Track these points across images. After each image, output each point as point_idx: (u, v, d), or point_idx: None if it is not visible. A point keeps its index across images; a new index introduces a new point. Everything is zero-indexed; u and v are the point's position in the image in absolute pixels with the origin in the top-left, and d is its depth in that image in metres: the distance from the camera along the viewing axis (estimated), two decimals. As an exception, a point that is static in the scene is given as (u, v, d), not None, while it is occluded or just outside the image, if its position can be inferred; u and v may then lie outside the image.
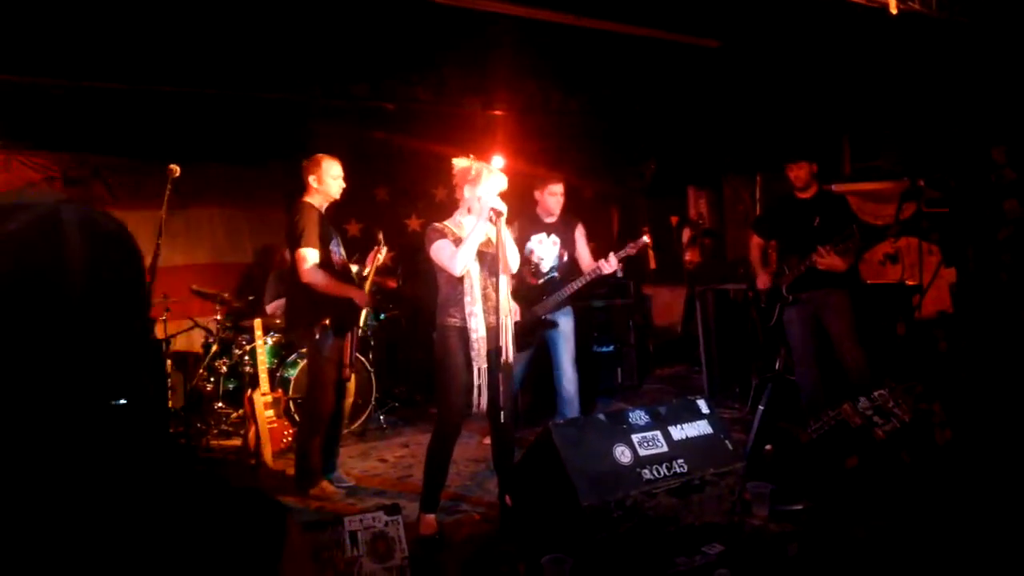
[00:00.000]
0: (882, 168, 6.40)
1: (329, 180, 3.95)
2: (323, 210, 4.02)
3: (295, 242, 3.79)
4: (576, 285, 4.51)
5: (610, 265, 4.26)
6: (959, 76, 5.32)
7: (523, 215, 4.75)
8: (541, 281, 4.64)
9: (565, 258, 4.67)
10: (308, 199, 3.95)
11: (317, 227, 3.84)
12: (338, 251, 4.05)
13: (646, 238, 4.43)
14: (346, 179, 7.53)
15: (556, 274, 4.65)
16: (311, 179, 3.94)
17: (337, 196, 4.05)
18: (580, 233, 4.68)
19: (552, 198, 4.68)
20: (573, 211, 4.92)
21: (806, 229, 4.45)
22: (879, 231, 5.27)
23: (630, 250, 4.37)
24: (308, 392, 4.05)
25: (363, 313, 4.29)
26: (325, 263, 3.87)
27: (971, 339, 5.10)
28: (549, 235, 4.69)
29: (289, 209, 4.02)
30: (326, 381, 3.92)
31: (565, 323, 4.59)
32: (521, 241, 4.62)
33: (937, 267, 5.37)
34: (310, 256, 3.78)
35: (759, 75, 6.04)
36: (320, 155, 3.99)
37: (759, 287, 4.74)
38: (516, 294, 4.02)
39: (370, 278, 4.38)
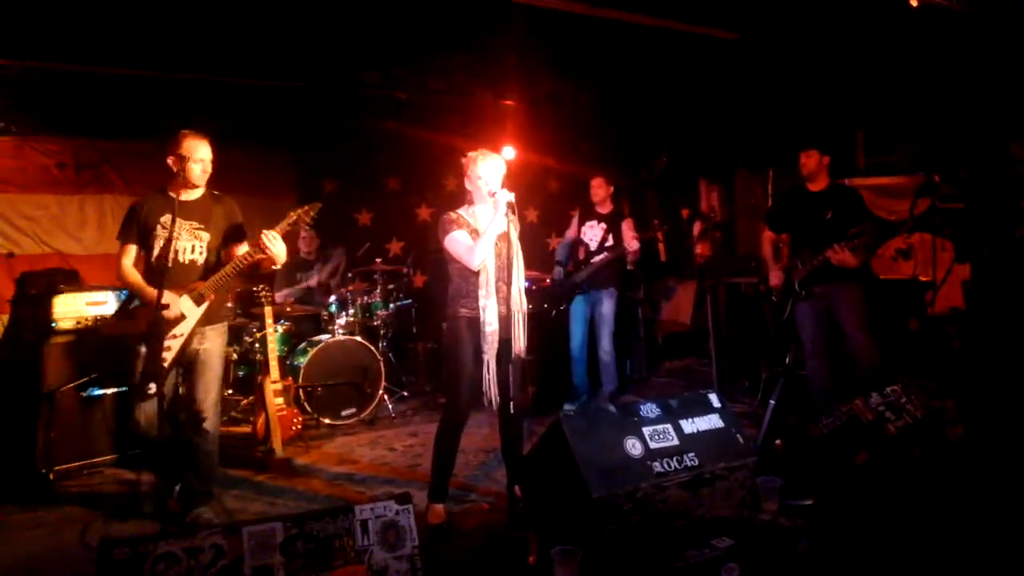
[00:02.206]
0: (896, 163, 6.34)
1: (190, 164, 3.36)
2: (181, 197, 3.37)
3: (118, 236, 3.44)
4: (604, 258, 5.41)
5: (633, 244, 5.27)
6: (977, 70, 5.26)
7: (583, 205, 5.76)
8: (584, 258, 5.57)
9: (610, 242, 5.46)
10: (168, 184, 3.42)
11: (135, 220, 3.36)
12: (182, 246, 3.38)
13: (656, 222, 5.78)
14: (358, 168, 7.55)
15: (599, 253, 5.47)
16: (169, 161, 3.37)
17: (200, 184, 3.45)
18: (627, 225, 5.48)
19: (592, 190, 5.65)
20: (616, 206, 5.75)
21: (818, 223, 4.41)
22: (892, 226, 5.22)
23: (649, 233, 5.59)
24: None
25: (190, 320, 3.36)
26: (145, 261, 3.40)
27: (985, 336, 5.06)
28: (600, 222, 5.56)
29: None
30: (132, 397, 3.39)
31: (607, 305, 5.47)
32: (579, 225, 5.69)
33: (951, 263, 5.32)
34: (120, 252, 3.38)
35: (774, 68, 5.99)
36: (184, 132, 3.40)
37: (771, 284, 4.71)
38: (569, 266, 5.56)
39: (213, 281, 3.42)
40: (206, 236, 3.45)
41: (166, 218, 3.36)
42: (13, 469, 4.04)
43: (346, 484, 4.08)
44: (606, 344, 5.48)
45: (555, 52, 6.05)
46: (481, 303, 3.34)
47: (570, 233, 5.79)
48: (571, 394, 5.61)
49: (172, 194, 3.35)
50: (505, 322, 3.29)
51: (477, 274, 3.36)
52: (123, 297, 4.10)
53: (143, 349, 3.28)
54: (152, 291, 3.23)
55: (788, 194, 4.87)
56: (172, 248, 3.30)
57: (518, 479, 3.22)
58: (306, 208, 3.57)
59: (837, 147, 4.72)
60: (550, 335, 5.61)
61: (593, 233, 5.55)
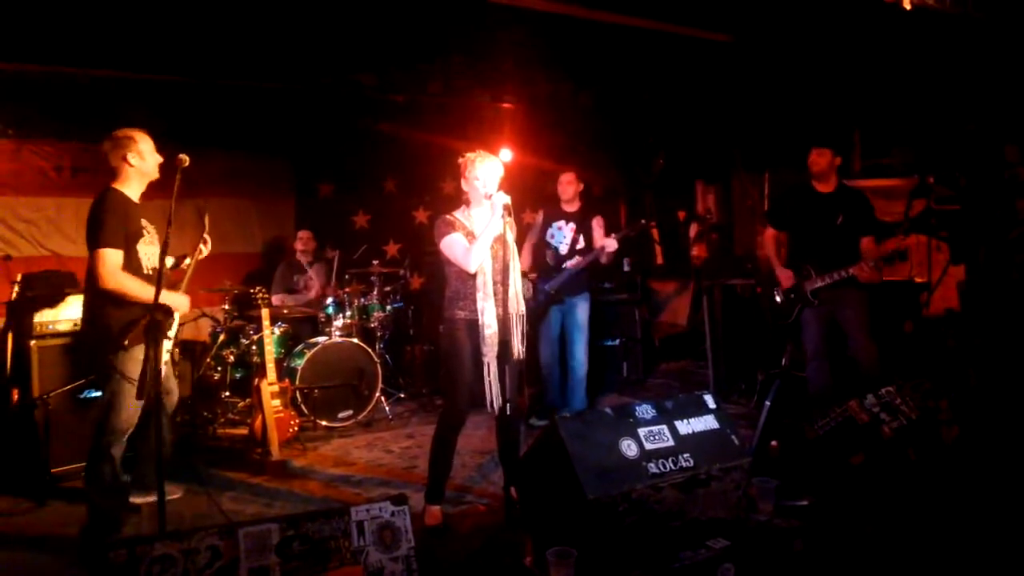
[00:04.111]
0: (893, 165, 6.36)
1: (150, 157, 3.41)
2: (136, 198, 3.43)
3: (93, 240, 3.19)
4: (579, 262, 5.01)
5: (611, 243, 4.82)
6: (972, 72, 5.28)
7: (548, 203, 5.35)
8: (554, 263, 5.16)
9: (580, 244, 5.10)
10: (119, 185, 3.36)
11: (123, 221, 3.25)
12: (150, 250, 3.43)
13: (643, 221, 5.39)
14: (354, 170, 7.56)
15: (570, 257, 5.10)
16: (130, 156, 3.35)
17: (157, 175, 3.46)
18: (597, 223, 5.14)
19: (560, 186, 5.23)
20: (585, 204, 5.37)
21: (828, 227, 4.38)
22: (888, 228, 5.24)
23: (629, 231, 5.17)
24: (107, 411, 3.35)
25: (175, 320, 3.55)
26: (129, 266, 3.28)
27: (979, 337, 5.07)
28: (568, 222, 5.16)
29: (98, 199, 3.32)
30: (127, 401, 3.29)
31: (582, 311, 5.12)
32: (544, 226, 5.26)
33: (946, 265, 5.34)
34: (111, 258, 3.19)
35: (770, 70, 6.00)
36: (130, 129, 3.42)
37: (783, 285, 4.60)
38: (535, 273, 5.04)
39: (187, 278, 3.64)
40: (158, 237, 3.51)
41: (144, 222, 3.42)
42: (12, 472, 4.04)
43: (343, 486, 4.09)
44: (580, 355, 5.09)
45: (552, 55, 6.05)
46: (479, 306, 3.34)
47: (533, 237, 5.29)
48: (541, 411, 5.26)
49: (130, 195, 3.38)
50: (503, 324, 3.29)
51: (474, 277, 3.36)
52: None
53: (140, 356, 3.20)
54: (181, 297, 3.45)
55: (793, 192, 4.73)
56: (159, 254, 3.29)
57: (514, 481, 3.23)
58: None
59: (836, 149, 4.70)
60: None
61: (562, 235, 5.13)
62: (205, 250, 3.73)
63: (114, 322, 3.22)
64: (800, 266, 4.54)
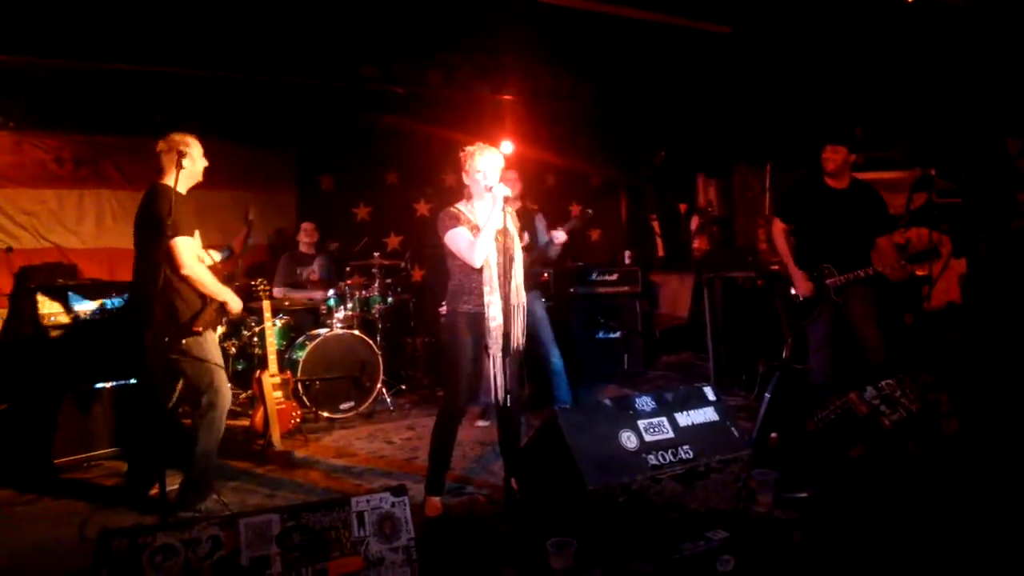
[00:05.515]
0: (895, 158, 6.35)
1: (199, 162, 3.59)
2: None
3: (162, 231, 3.29)
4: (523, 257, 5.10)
5: (560, 235, 4.74)
6: (974, 65, 5.27)
7: None
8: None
9: (524, 241, 4.91)
10: (168, 182, 3.48)
11: (191, 216, 3.45)
12: (199, 242, 3.64)
13: (589, 211, 5.18)
14: (356, 162, 7.55)
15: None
16: (184, 159, 3.48)
17: (201, 178, 3.65)
18: (540, 220, 5.12)
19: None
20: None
21: (843, 224, 4.34)
22: (892, 221, 5.23)
23: (576, 222, 5.00)
24: (214, 402, 3.58)
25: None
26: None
27: (980, 330, 5.08)
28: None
29: (155, 194, 3.45)
30: (223, 378, 3.61)
31: (539, 308, 5.03)
32: None
33: (947, 258, 5.33)
34: (188, 245, 3.39)
35: (771, 63, 5.99)
36: (185, 133, 3.58)
37: (801, 289, 4.49)
38: None
39: (239, 270, 3.96)
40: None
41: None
42: (15, 462, 4.06)
43: (344, 477, 4.10)
44: (551, 348, 5.04)
45: (553, 47, 6.05)
46: (486, 299, 3.33)
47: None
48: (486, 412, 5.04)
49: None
50: (505, 316, 3.29)
51: (479, 270, 3.35)
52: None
53: (214, 340, 3.61)
54: (234, 295, 3.65)
55: (806, 187, 4.61)
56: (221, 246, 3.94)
57: (515, 472, 3.24)
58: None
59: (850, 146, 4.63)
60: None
61: None
62: (250, 242, 3.96)
63: (187, 309, 3.43)
64: (817, 264, 4.46)
